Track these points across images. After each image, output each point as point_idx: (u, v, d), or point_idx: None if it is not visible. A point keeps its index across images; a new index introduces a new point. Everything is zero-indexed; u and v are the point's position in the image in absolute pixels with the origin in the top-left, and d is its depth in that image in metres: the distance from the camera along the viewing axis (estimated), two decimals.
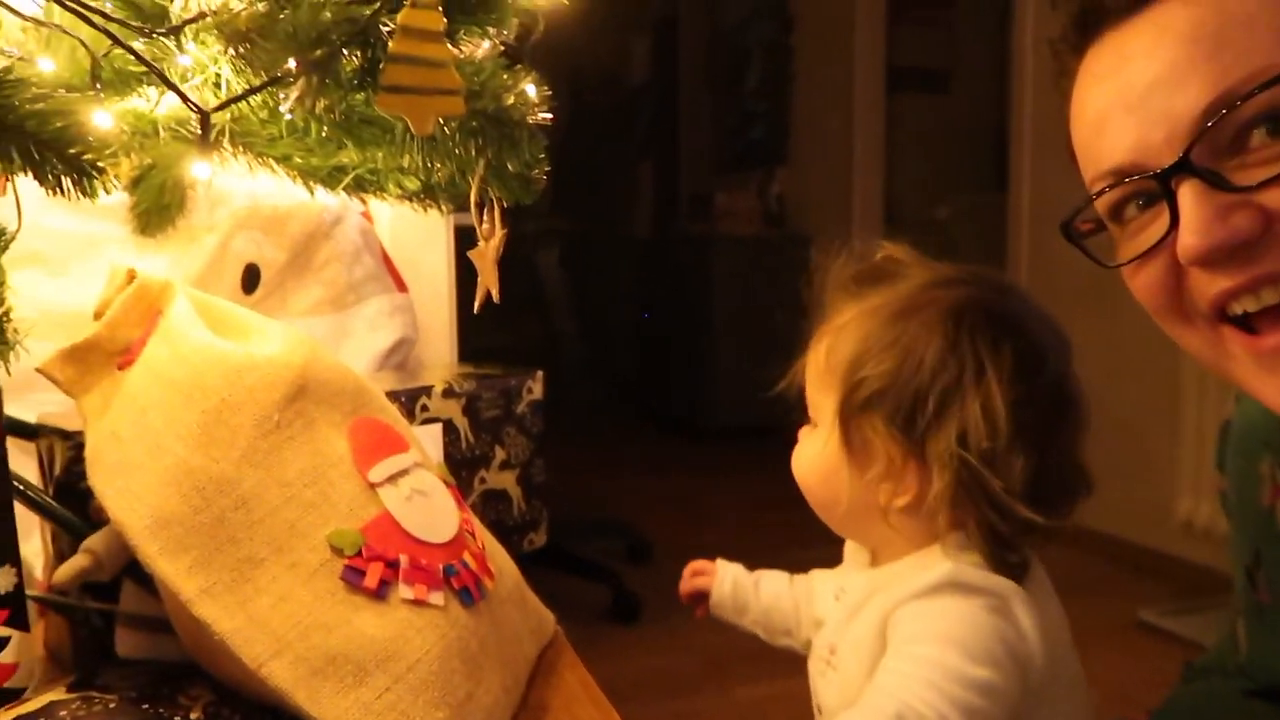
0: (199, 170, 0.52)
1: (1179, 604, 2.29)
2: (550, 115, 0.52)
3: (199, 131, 0.50)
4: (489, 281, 0.58)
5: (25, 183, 0.72)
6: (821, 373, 0.69)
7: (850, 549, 0.76)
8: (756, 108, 4.70)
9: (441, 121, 0.50)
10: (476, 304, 0.58)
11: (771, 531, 3.01)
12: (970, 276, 0.69)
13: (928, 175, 4.17)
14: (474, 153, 0.52)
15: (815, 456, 0.70)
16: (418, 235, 1.17)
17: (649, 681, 1.99)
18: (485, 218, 0.57)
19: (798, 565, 0.88)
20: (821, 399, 0.69)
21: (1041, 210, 2.95)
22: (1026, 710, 0.62)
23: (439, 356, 1.18)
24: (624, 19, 5.24)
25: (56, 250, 0.89)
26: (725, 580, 0.89)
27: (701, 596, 0.90)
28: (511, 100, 0.51)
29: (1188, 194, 0.50)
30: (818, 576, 0.78)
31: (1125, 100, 0.53)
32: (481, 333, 1.38)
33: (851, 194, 4.13)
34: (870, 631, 0.64)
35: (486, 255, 0.58)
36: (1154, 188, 0.52)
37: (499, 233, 0.57)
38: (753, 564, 0.92)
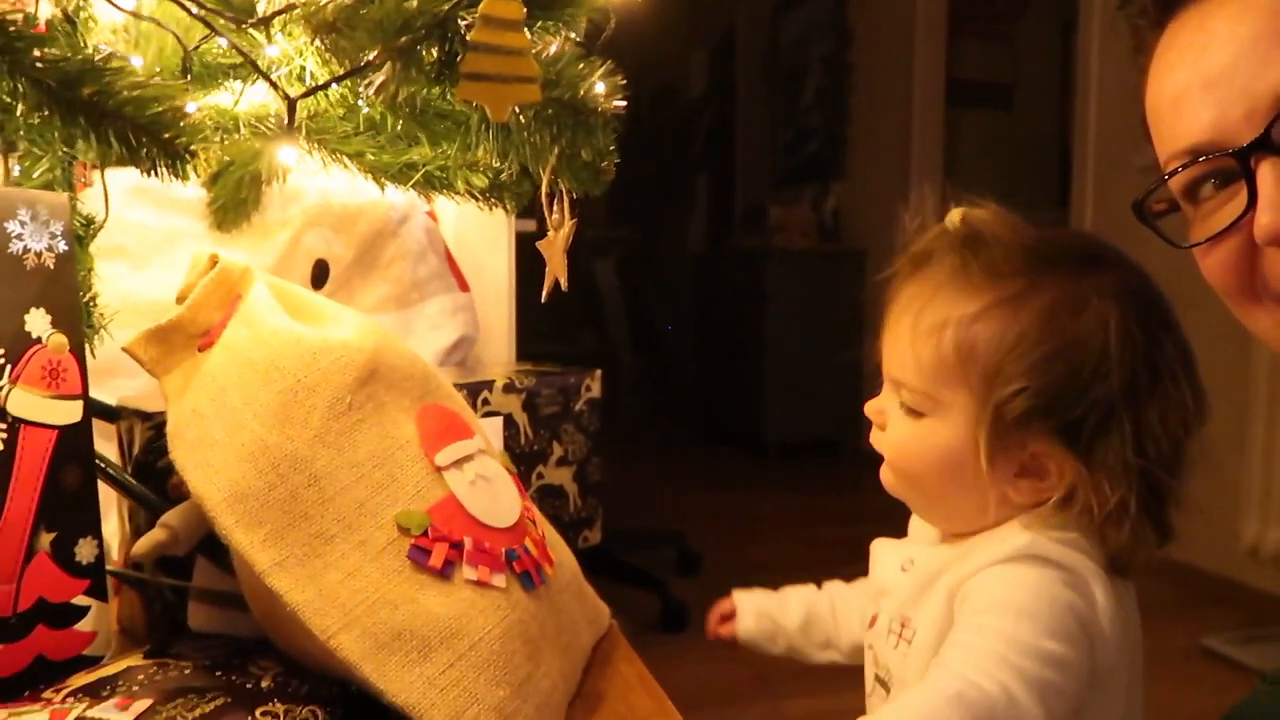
0: (285, 155, 0.54)
1: (1245, 632, 2.23)
2: (625, 103, 0.54)
3: (285, 120, 0.52)
4: (557, 270, 0.59)
5: (111, 177, 0.75)
6: (948, 366, 0.62)
7: (918, 522, 0.74)
8: (812, 122, 4.69)
9: (517, 110, 0.52)
10: (544, 292, 0.59)
11: (821, 546, 2.99)
12: (1102, 252, 0.65)
13: (987, 190, 4.12)
14: (549, 140, 0.53)
15: (936, 448, 0.64)
16: (481, 236, 1.19)
17: (697, 692, 1.98)
18: (555, 208, 0.58)
19: (848, 580, 0.86)
20: (946, 393, 0.63)
21: (1105, 227, 2.90)
22: (1091, 694, 0.59)
23: (498, 356, 1.20)
24: (683, 33, 5.27)
25: (139, 244, 0.92)
26: (746, 615, 0.85)
27: (732, 640, 0.86)
28: (587, 88, 0.52)
29: (1268, 172, 0.49)
30: (881, 545, 0.74)
31: (1205, 77, 0.52)
32: (537, 340, 1.39)
33: (908, 210, 4.09)
34: (942, 606, 0.62)
35: (555, 245, 0.59)
36: (1232, 166, 0.51)
37: (568, 223, 0.59)
38: (803, 579, 0.90)
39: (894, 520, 0.78)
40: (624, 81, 0.53)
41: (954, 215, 0.67)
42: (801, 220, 4.50)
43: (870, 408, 0.69)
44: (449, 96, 0.63)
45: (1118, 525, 0.59)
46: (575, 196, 0.59)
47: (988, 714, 0.53)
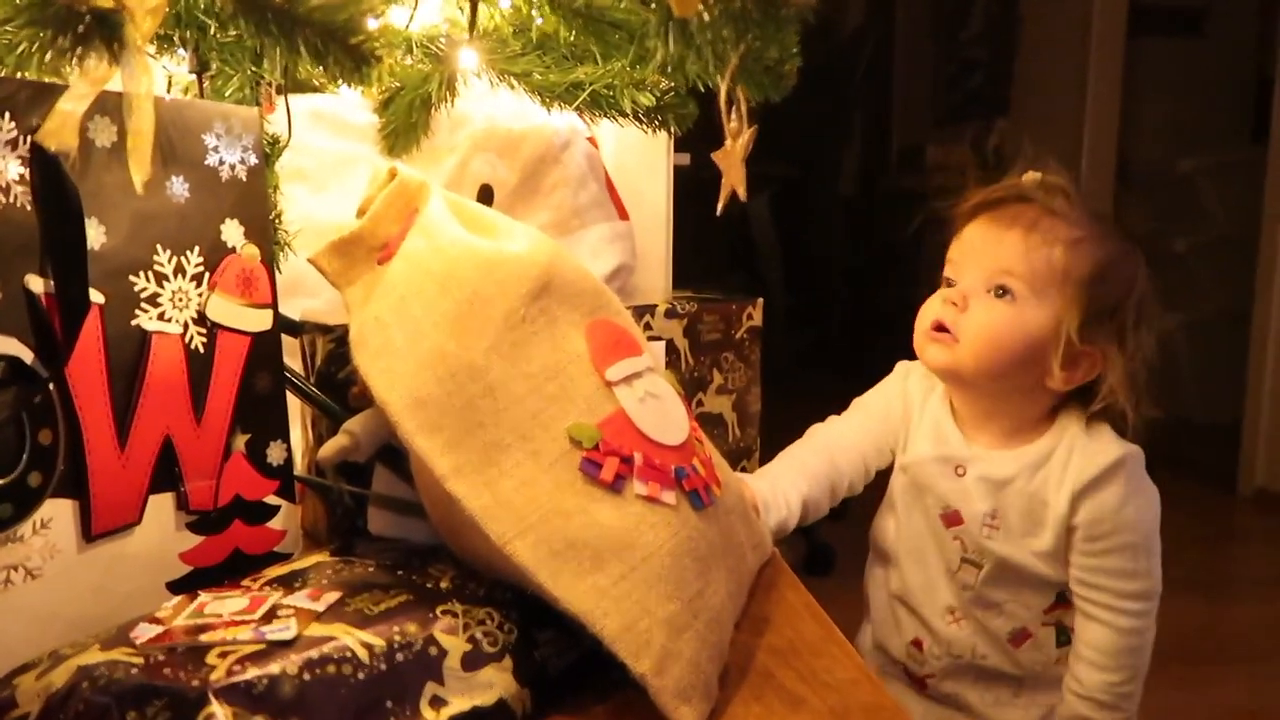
0: (466, 58, 0.54)
1: None
2: None
3: (466, 22, 0.52)
4: (735, 181, 0.57)
5: (292, 102, 0.77)
6: (1055, 271, 0.80)
7: (939, 426, 0.89)
8: (978, 54, 4.44)
9: (702, 7, 0.49)
10: (720, 205, 0.57)
11: None
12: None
13: (1171, 127, 3.81)
14: (734, 38, 0.50)
15: (1024, 327, 0.81)
16: (639, 165, 1.18)
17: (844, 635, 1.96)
18: (732, 115, 0.56)
19: None
20: (1048, 289, 0.81)
21: None
22: None
23: (654, 285, 1.19)
24: None
25: (317, 167, 0.95)
26: (771, 519, 0.86)
27: None
28: None
29: None
30: (912, 463, 0.90)
31: None
32: (690, 282, 1.38)
33: (1080, 147, 3.84)
34: (1037, 500, 0.83)
35: (734, 154, 0.57)
36: None
37: (747, 131, 0.56)
38: None
39: None
40: None
41: (1033, 175, 0.87)
42: (961, 160, 4.29)
43: (951, 293, 0.84)
44: (623, 4, 0.61)
45: (1133, 408, 0.81)
46: (752, 105, 0.57)
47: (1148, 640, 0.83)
